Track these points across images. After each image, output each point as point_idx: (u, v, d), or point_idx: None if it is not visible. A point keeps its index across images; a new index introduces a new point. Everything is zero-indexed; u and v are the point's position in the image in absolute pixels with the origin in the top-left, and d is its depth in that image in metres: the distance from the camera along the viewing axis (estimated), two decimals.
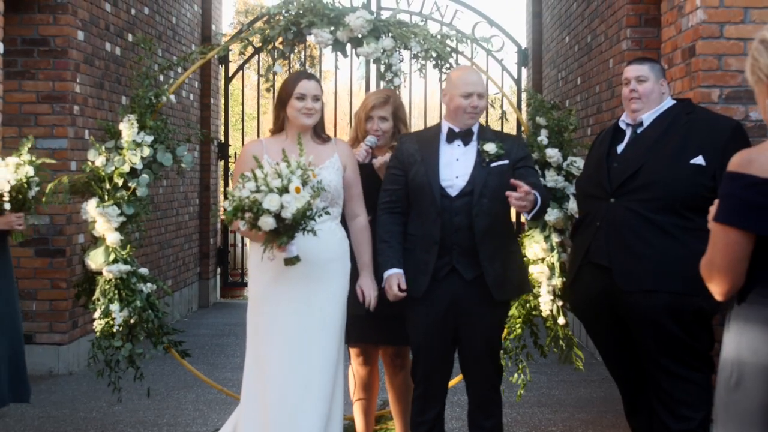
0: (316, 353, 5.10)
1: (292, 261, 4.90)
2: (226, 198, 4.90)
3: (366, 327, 5.63)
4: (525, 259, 6.18)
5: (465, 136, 5.29)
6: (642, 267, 5.01)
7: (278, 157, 4.96)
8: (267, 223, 4.67)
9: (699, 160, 4.97)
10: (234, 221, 4.80)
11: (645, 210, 5.02)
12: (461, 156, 5.26)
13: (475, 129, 5.32)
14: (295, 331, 5.09)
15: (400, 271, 5.24)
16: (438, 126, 5.43)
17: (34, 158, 6.11)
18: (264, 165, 4.95)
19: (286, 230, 4.75)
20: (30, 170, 6.02)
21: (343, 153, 5.39)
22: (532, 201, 5.00)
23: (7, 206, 5.95)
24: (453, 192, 5.18)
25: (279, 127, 5.37)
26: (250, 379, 5.25)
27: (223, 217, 4.90)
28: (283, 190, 4.67)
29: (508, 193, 4.95)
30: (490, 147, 5.21)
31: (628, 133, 5.31)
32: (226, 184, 13.66)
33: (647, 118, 5.24)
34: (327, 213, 5.00)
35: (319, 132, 5.39)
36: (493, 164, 5.20)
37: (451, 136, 5.30)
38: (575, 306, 5.57)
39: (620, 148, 5.29)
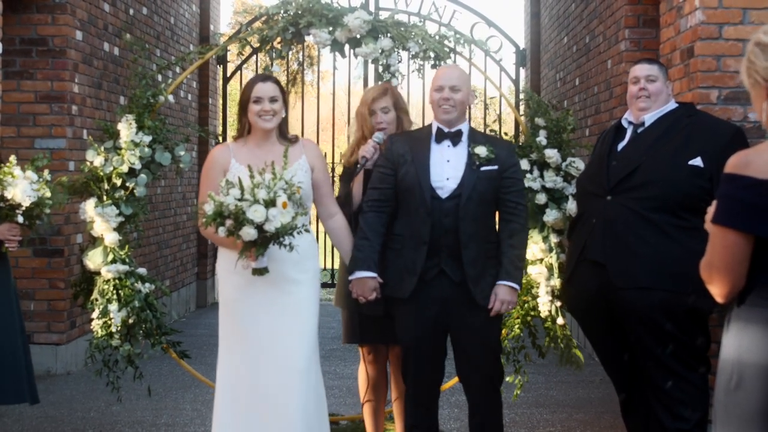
0: (289, 357, 5.09)
1: (260, 272, 4.91)
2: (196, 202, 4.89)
3: (376, 326, 5.65)
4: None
5: (454, 137, 5.29)
6: (637, 264, 5.02)
7: (245, 162, 4.99)
8: (249, 233, 4.67)
9: (697, 161, 4.99)
10: (210, 226, 4.78)
11: (641, 208, 5.04)
12: (452, 157, 5.26)
13: (464, 130, 5.32)
14: (266, 336, 5.10)
15: (376, 275, 5.26)
16: (429, 126, 5.43)
17: (47, 176, 5.98)
18: (231, 170, 5.03)
19: (263, 242, 4.75)
20: (48, 192, 5.93)
21: (311, 154, 5.38)
22: (514, 295, 5.25)
23: (20, 219, 5.85)
24: (443, 194, 5.19)
25: (244, 131, 5.35)
26: (223, 383, 5.26)
27: (201, 221, 4.85)
28: (270, 203, 4.67)
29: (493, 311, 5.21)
30: (481, 150, 5.21)
31: (629, 131, 5.33)
32: None
33: (649, 118, 5.26)
34: (307, 231, 5.00)
35: (284, 133, 5.38)
36: (483, 168, 5.21)
37: (440, 136, 5.30)
38: (571, 303, 5.57)
39: (620, 146, 5.31)
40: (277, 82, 5.38)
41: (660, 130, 5.21)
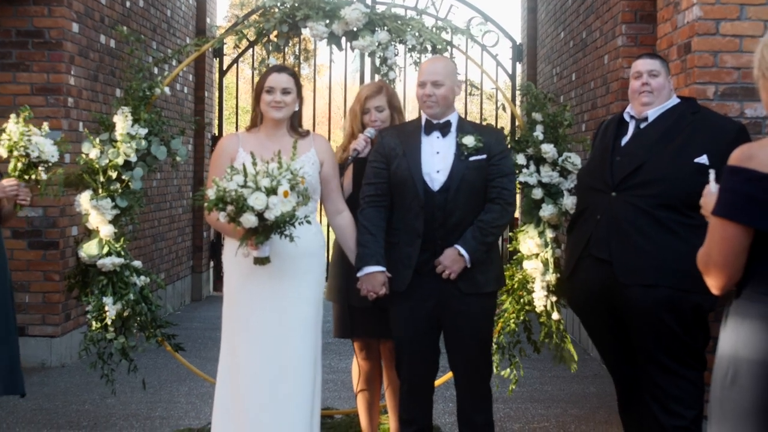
0: (291, 348, 5.10)
1: (262, 261, 4.90)
2: (198, 189, 4.90)
3: (368, 321, 5.66)
4: (519, 254, 6.19)
5: (443, 128, 5.30)
6: (642, 261, 5.01)
7: (255, 152, 4.94)
8: (248, 220, 4.67)
9: (703, 159, 4.97)
10: (213, 211, 4.79)
11: (646, 205, 5.02)
12: (441, 149, 5.27)
13: (453, 120, 5.33)
14: (269, 327, 5.10)
15: (384, 269, 5.25)
16: (418, 118, 5.45)
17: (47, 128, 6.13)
18: (238, 159, 5.02)
19: (264, 230, 4.74)
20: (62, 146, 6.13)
21: (321, 148, 5.38)
22: (459, 263, 5.17)
23: (44, 175, 5.94)
24: (435, 186, 5.20)
25: (256, 121, 5.38)
26: (224, 373, 5.26)
27: (205, 206, 4.86)
28: (271, 191, 4.66)
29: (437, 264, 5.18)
30: (469, 140, 5.22)
31: (632, 126, 5.31)
32: None
33: (652, 113, 5.24)
34: (308, 222, 4.98)
35: (295, 126, 5.39)
36: (472, 158, 5.21)
37: (429, 128, 5.31)
38: (572, 299, 5.56)
39: (623, 141, 5.29)
40: (293, 74, 5.38)
41: (664, 126, 5.19)
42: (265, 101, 5.27)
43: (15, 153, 5.88)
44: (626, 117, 5.36)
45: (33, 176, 5.93)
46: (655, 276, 4.98)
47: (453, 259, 5.16)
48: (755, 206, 3.06)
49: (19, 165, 5.90)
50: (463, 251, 5.16)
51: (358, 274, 5.28)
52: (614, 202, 5.13)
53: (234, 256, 5.01)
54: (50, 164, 5.94)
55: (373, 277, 5.24)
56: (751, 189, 3.06)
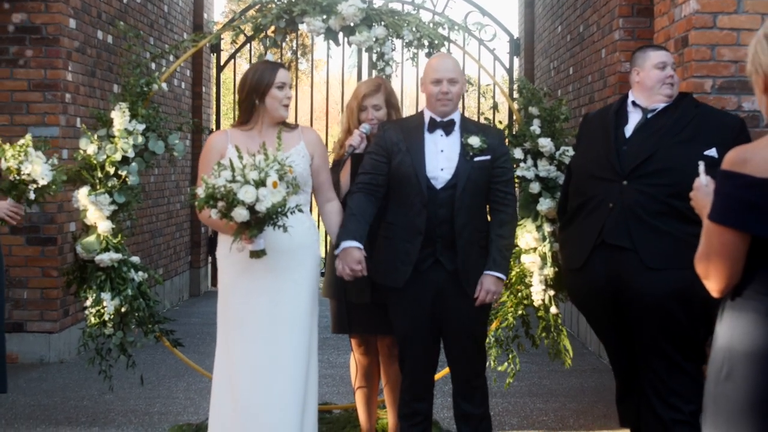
0: (285, 344, 5.10)
1: (257, 254, 4.89)
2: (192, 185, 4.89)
3: (365, 317, 5.66)
4: (517, 249, 6.19)
5: (446, 126, 5.28)
6: (668, 245, 4.98)
7: (243, 148, 4.90)
8: (240, 214, 4.66)
9: (712, 152, 4.97)
10: (204, 209, 4.78)
11: (660, 194, 5.01)
12: (445, 147, 5.26)
13: (456, 119, 5.32)
14: (264, 322, 5.09)
15: (360, 245, 5.18)
16: (420, 115, 5.42)
17: (54, 161, 6.00)
18: (227, 156, 4.96)
19: (257, 223, 4.74)
20: (62, 176, 5.95)
21: (310, 141, 5.36)
22: (499, 285, 5.29)
23: (32, 195, 5.83)
24: (438, 184, 5.19)
25: (247, 118, 5.32)
26: (220, 369, 5.26)
27: (196, 204, 4.84)
28: (260, 183, 4.65)
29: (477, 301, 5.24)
30: (475, 141, 5.21)
31: (637, 116, 5.30)
32: None
33: (658, 104, 5.26)
34: (300, 211, 4.97)
35: (284, 121, 5.38)
36: (477, 158, 5.21)
37: (433, 126, 5.29)
38: (580, 290, 5.48)
39: (628, 131, 5.29)
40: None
41: (670, 119, 5.20)
42: (276, 98, 5.21)
43: (10, 163, 5.73)
44: (630, 106, 5.35)
45: (21, 192, 5.81)
46: (684, 260, 4.94)
47: (496, 283, 5.24)
48: (751, 212, 3.02)
49: (9, 178, 5.80)
50: (499, 275, 5.25)
51: (336, 252, 5.24)
52: (626, 190, 5.11)
53: (228, 251, 5.01)
54: (38, 186, 5.83)
55: (349, 252, 5.17)
56: (746, 194, 3.02)
